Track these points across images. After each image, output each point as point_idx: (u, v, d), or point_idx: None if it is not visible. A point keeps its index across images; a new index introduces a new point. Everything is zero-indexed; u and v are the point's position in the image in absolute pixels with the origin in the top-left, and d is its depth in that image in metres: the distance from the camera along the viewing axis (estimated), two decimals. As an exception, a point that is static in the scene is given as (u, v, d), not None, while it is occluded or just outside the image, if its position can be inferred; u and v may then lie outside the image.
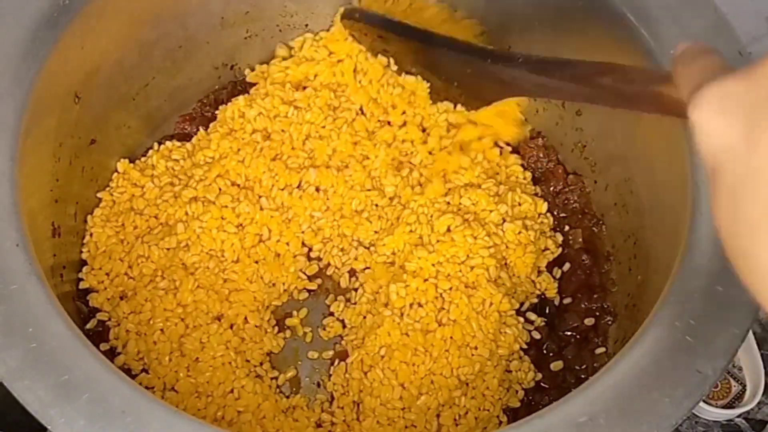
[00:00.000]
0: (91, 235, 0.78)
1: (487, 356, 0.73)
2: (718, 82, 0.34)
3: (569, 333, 0.78)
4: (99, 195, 0.79)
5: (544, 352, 0.77)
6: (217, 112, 0.85)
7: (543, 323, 0.78)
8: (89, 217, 0.78)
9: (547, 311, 0.79)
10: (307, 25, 0.87)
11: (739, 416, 0.84)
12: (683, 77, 0.39)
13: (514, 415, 0.74)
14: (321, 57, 0.84)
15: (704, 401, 0.82)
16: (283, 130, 0.81)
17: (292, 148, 0.81)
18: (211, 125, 0.84)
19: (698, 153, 0.34)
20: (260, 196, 0.79)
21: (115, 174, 0.81)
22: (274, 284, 0.78)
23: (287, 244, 0.79)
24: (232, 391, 0.73)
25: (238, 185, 0.79)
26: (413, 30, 0.77)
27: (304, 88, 0.84)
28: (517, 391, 0.75)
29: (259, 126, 0.81)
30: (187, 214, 0.77)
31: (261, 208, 0.78)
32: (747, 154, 0.31)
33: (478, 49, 0.75)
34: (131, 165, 0.81)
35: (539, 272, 0.80)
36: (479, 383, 0.73)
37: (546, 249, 0.81)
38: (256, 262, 0.78)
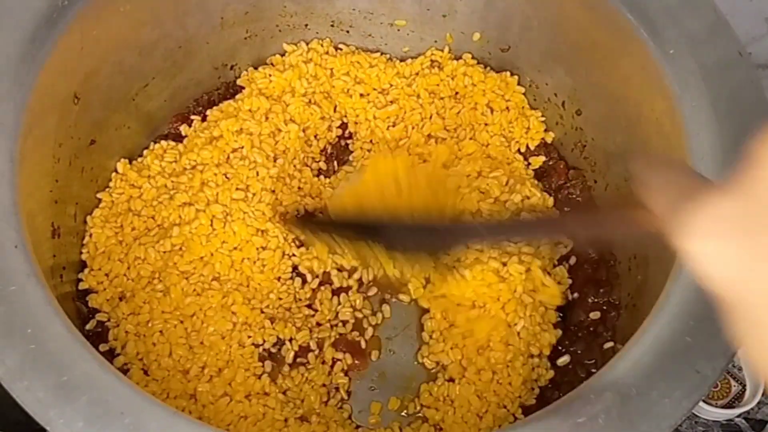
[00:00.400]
0: (90, 235, 0.78)
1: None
2: (704, 205, 0.30)
3: (578, 327, 0.78)
4: (99, 196, 0.79)
5: (559, 348, 0.78)
6: (208, 113, 0.85)
7: (558, 318, 0.78)
8: (89, 217, 0.78)
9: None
10: (307, 25, 0.88)
11: (738, 416, 0.84)
12: (656, 200, 0.36)
13: (526, 412, 0.74)
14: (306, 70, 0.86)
15: (704, 401, 0.82)
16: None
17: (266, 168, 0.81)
18: (195, 125, 0.85)
19: (698, 279, 0.31)
20: (244, 212, 0.79)
21: (114, 174, 0.81)
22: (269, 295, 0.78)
23: (273, 269, 0.79)
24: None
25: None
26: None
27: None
28: (533, 388, 0.75)
29: (231, 143, 0.81)
30: (180, 218, 0.77)
31: (247, 225, 0.78)
32: (755, 281, 0.28)
33: (437, 227, 0.71)
34: (129, 165, 0.81)
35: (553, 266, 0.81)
36: (504, 377, 0.74)
37: (559, 243, 0.81)
38: (249, 278, 0.77)
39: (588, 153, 0.83)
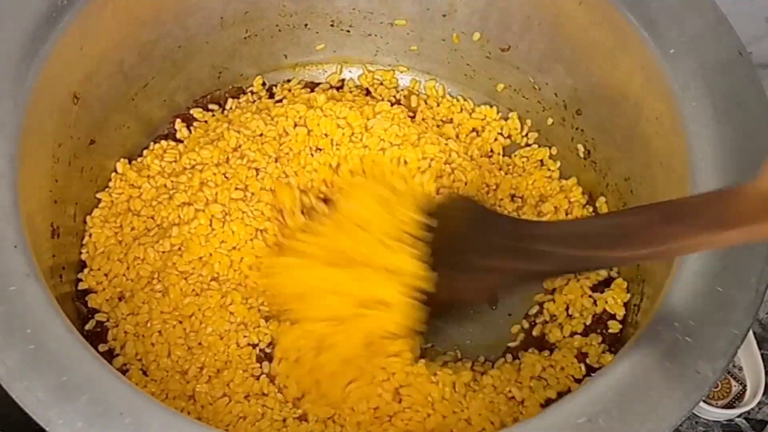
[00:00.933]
0: (90, 235, 0.77)
1: None
2: None
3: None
4: (98, 196, 0.79)
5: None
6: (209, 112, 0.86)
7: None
8: (88, 217, 0.78)
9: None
10: (306, 25, 0.88)
11: (739, 416, 0.84)
12: None
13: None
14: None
15: (704, 401, 0.82)
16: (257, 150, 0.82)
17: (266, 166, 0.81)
18: (196, 124, 0.86)
19: None
20: (243, 212, 0.78)
21: (114, 174, 0.81)
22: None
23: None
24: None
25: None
26: None
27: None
28: None
29: (233, 144, 0.81)
30: (179, 217, 0.77)
31: (245, 225, 0.78)
32: None
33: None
34: (128, 165, 0.81)
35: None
36: None
37: None
38: (246, 277, 0.77)
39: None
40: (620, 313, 0.75)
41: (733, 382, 0.85)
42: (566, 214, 0.83)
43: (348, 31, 0.89)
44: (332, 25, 0.88)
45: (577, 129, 0.83)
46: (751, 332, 0.80)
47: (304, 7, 0.86)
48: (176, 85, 0.85)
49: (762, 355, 0.84)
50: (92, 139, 0.77)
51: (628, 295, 0.75)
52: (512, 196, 0.84)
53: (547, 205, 0.82)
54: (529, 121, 0.88)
